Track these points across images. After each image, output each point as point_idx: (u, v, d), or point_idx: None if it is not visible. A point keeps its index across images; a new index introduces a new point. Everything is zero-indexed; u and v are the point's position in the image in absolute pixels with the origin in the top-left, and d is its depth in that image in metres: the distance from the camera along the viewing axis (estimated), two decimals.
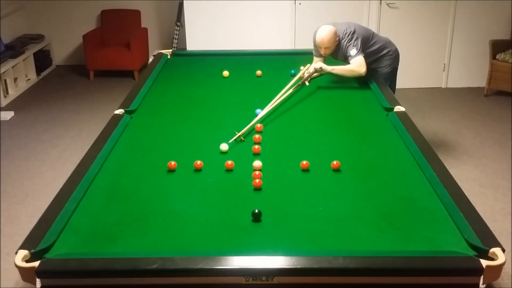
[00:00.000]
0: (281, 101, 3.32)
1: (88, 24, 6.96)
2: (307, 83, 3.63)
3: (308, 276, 1.80)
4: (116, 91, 6.08)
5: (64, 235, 1.99)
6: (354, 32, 3.61)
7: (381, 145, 2.82)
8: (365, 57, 3.61)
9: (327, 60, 3.84)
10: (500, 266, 1.77)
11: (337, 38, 3.60)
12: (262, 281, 1.78)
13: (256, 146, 2.73)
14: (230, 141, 2.78)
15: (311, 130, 3.05)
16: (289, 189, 2.36)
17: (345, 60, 3.69)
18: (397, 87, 4.08)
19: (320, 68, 3.60)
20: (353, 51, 3.58)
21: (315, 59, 3.81)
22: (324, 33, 3.56)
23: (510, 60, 5.54)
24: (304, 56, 4.03)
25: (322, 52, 3.65)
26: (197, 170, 2.51)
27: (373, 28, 5.42)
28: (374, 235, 2.00)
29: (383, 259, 1.81)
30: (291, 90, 3.47)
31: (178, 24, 6.45)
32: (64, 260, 1.82)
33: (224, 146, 2.71)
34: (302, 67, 3.80)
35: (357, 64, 3.58)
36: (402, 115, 3.08)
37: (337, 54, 3.73)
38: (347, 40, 3.59)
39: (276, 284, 1.78)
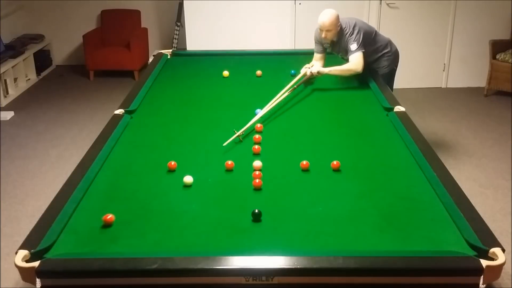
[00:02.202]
0: (281, 101, 3.32)
1: (88, 24, 6.95)
2: None
3: (308, 276, 1.80)
4: (116, 91, 6.08)
5: (64, 235, 1.99)
6: (356, 25, 3.61)
7: (381, 145, 2.82)
8: (365, 54, 3.61)
9: (327, 59, 3.84)
10: (500, 266, 1.77)
11: (339, 24, 3.59)
12: (262, 281, 1.78)
13: (256, 146, 2.73)
14: (227, 141, 2.76)
15: (311, 130, 3.04)
16: (289, 189, 2.36)
17: (345, 54, 3.69)
18: (397, 87, 4.08)
19: (318, 72, 3.60)
20: (353, 46, 3.58)
21: (316, 56, 3.80)
22: (327, 16, 3.55)
23: (510, 60, 5.54)
24: (304, 56, 4.03)
25: (323, 35, 3.61)
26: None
27: None
28: (374, 235, 2.00)
29: (383, 259, 1.81)
30: (291, 90, 3.47)
31: (178, 24, 6.45)
32: (64, 260, 1.82)
33: (188, 179, 2.38)
34: (307, 65, 3.76)
35: (354, 62, 3.57)
36: (402, 115, 3.08)
37: (339, 46, 3.70)
38: (349, 33, 3.59)
39: (276, 284, 1.78)
